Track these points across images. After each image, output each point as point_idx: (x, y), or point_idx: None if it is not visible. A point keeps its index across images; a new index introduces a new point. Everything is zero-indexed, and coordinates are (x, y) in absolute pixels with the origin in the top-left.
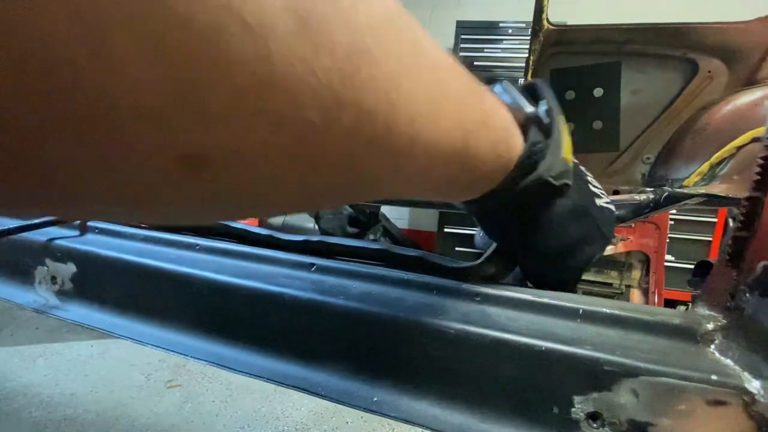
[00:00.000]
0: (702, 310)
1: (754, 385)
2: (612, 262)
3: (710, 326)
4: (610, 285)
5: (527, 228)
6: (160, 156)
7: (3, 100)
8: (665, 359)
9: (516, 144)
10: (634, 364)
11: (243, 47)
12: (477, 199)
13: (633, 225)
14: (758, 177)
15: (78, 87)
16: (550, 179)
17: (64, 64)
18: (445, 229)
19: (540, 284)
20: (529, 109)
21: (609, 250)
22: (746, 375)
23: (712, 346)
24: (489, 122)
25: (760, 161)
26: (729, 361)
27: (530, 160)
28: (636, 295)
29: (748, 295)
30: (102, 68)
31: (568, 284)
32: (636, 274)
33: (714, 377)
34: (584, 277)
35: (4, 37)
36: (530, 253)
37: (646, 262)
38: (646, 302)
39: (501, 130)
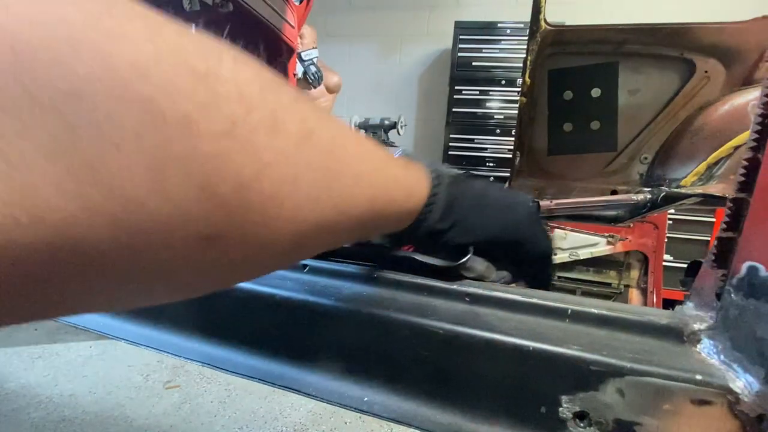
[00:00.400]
0: (690, 311)
1: (738, 384)
2: (611, 262)
3: (697, 326)
4: (608, 285)
5: (468, 216)
6: (186, 237)
7: (96, 237)
8: (651, 359)
9: (423, 172)
10: (620, 363)
11: (246, 158)
12: (420, 219)
13: (631, 225)
14: (743, 179)
15: (146, 217)
16: (457, 173)
17: (139, 204)
18: None
19: (521, 270)
20: (408, 151)
21: (607, 249)
22: (731, 375)
23: (699, 346)
24: (403, 165)
25: (745, 163)
26: (714, 361)
27: (437, 171)
28: (634, 294)
29: (733, 295)
30: (162, 200)
31: (544, 263)
32: (635, 273)
33: (699, 377)
34: (583, 276)
35: (101, 192)
36: (486, 228)
37: (644, 261)
38: (645, 302)
39: (412, 168)
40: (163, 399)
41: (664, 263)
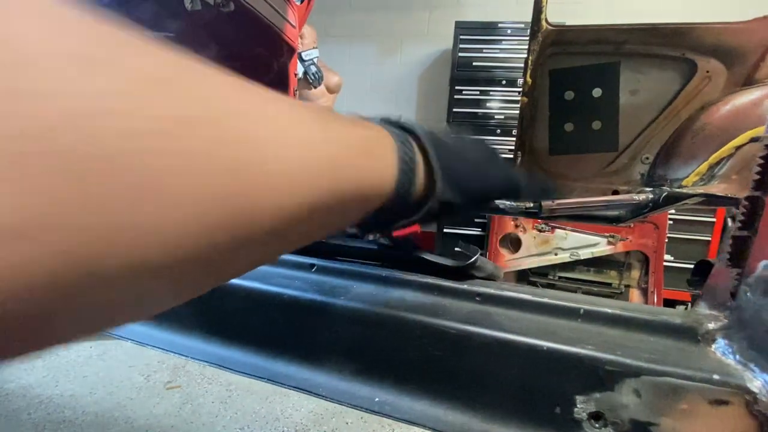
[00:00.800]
0: (703, 310)
1: (755, 384)
2: (611, 262)
3: (711, 326)
4: (609, 285)
5: (461, 176)
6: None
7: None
8: (667, 359)
9: (383, 135)
10: (636, 363)
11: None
12: (400, 190)
13: (632, 225)
14: (758, 177)
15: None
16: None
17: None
18: (445, 230)
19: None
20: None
21: (608, 249)
22: (748, 374)
23: (714, 346)
24: (357, 135)
25: (761, 161)
26: (731, 361)
27: (405, 126)
28: (635, 295)
29: (749, 294)
30: None
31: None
32: (635, 273)
33: (716, 377)
34: (584, 276)
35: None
36: (483, 187)
37: (645, 262)
38: (646, 302)
39: (367, 133)
40: (164, 399)
41: (665, 263)
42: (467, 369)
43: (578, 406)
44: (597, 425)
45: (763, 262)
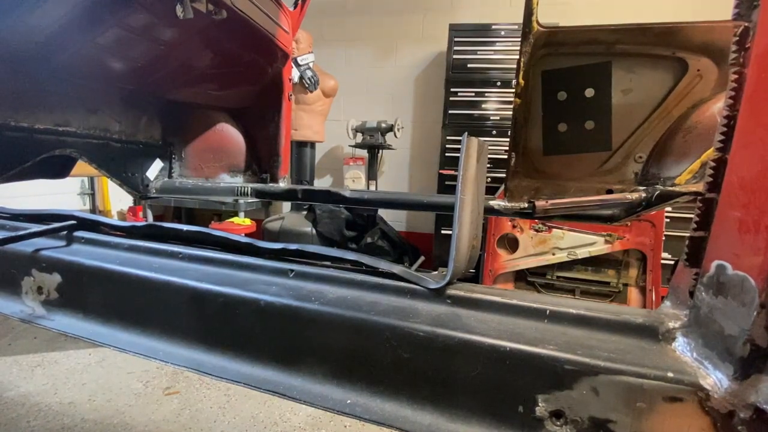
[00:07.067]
0: (667, 309)
1: (708, 381)
2: (609, 261)
3: (672, 324)
4: (607, 284)
5: None
6: None
7: None
8: (625, 357)
9: None
10: (594, 362)
11: None
12: None
13: (629, 224)
14: (711, 179)
15: None
16: None
17: None
18: (442, 231)
19: None
20: None
21: (605, 248)
22: (702, 372)
23: (674, 344)
24: None
25: (713, 164)
26: (687, 359)
27: None
28: (634, 293)
29: (703, 293)
30: None
31: None
32: (633, 272)
33: (670, 374)
34: (582, 276)
35: None
36: None
37: (643, 260)
38: (644, 300)
39: None
40: (163, 405)
41: (663, 261)
42: (435, 370)
43: (540, 404)
44: (558, 423)
45: (715, 262)
